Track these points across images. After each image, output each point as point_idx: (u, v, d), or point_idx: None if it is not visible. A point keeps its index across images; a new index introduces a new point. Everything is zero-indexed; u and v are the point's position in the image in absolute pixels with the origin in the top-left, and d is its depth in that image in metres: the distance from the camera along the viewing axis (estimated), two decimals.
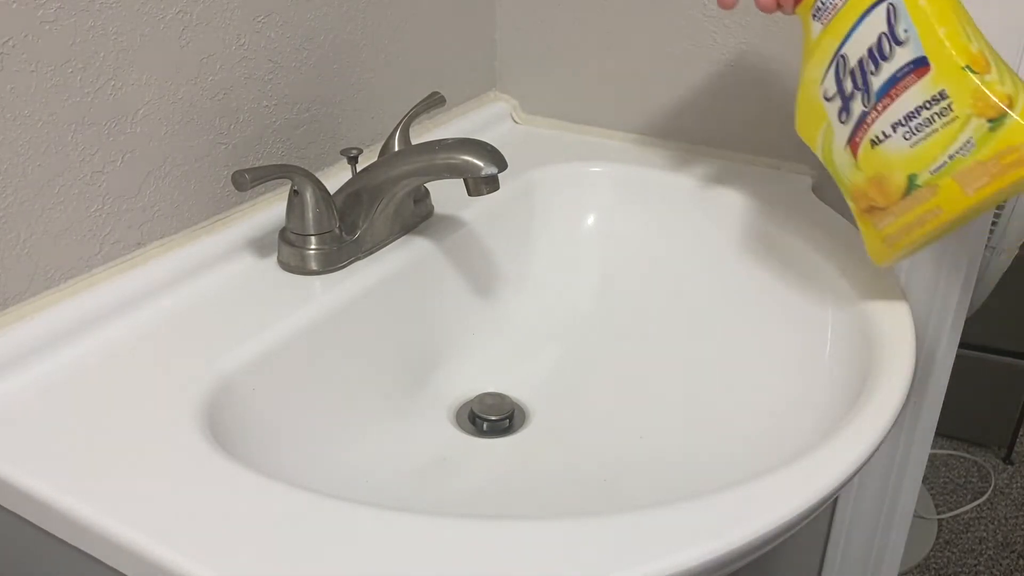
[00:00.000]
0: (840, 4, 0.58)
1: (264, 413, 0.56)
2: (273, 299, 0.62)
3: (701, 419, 0.66)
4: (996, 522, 1.57)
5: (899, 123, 0.55)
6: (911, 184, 0.55)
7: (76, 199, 0.57)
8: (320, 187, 0.64)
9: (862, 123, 0.57)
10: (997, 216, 1.15)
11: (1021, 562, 1.50)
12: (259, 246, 0.68)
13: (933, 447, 1.23)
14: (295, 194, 0.64)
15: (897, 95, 0.55)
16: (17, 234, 0.54)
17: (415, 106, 0.72)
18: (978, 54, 0.52)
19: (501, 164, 0.62)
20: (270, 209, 0.70)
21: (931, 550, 1.51)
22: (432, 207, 0.73)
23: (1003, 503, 1.61)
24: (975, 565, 1.49)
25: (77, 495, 0.45)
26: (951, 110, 0.52)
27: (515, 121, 0.95)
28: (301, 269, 0.65)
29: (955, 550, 1.52)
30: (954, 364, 0.91)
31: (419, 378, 0.69)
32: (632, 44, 0.86)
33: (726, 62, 0.82)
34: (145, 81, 0.59)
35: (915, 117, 0.54)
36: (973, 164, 0.52)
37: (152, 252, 0.62)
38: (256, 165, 0.63)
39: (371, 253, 0.68)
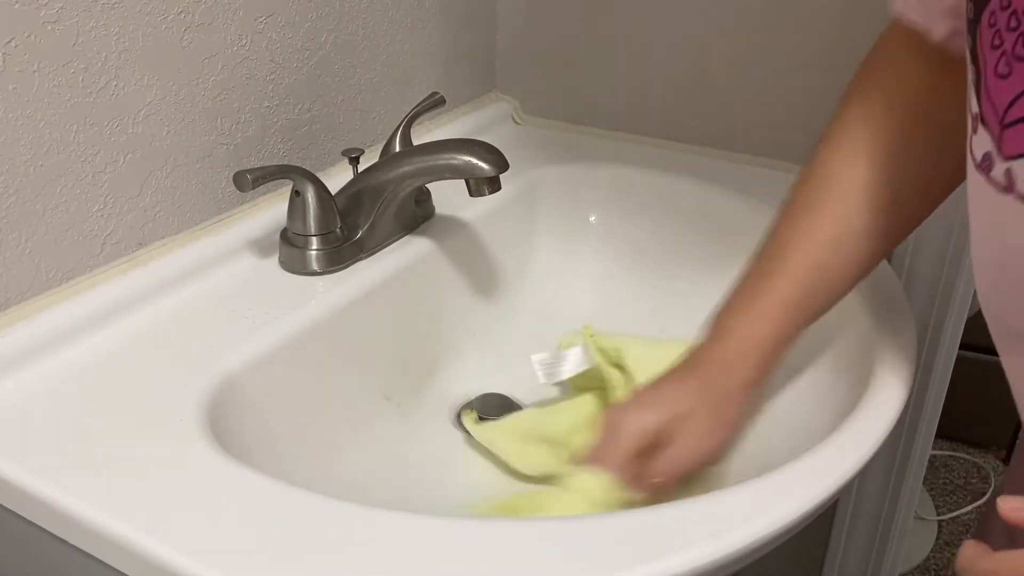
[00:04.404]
0: None
1: (265, 413, 0.56)
2: (274, 299, 0.62)
3: None
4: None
5: None
6: None
7: (78, 199, 0.57)
8: (321, 188, 0.64)
9: None
10: None
11: None
12: (260, 246, 0.68)
13: (933, 448, 1.23)
14: (296, 195, 0.64)
15: None
16: (19, 234, 0.54)
17: (416, 106, 0.72)
18: None
19: (503, 165, 0.62)
20: (271, 209, 0.70)
21: (931, 551, 1.51)
22: (433, 208, 0.74)
23: None
24: None
25: (78, 494, 0.45)
26: None
27: (516, 122, 0.95)
28: (302, 269, 0.65)
29: (955, 551, 1.51)
30: (954, 364, 0.91)
31: (420, 378, 0.69)
32: (632, 45, 0.86)
33: (726, 63, 0.82)
34: (147, 82, 0.59)
35: None
36: None
37: (153, 252, 0.62)
38: (257, 165, 0.63)
39: (372, 253, 0.68)
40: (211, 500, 0.45)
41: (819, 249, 0.55)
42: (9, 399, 0.52)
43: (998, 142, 0.39)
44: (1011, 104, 0.38)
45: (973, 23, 0.40)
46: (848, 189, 0.54)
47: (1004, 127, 0.38)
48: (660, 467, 0.54)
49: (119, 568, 0.45)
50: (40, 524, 0.47)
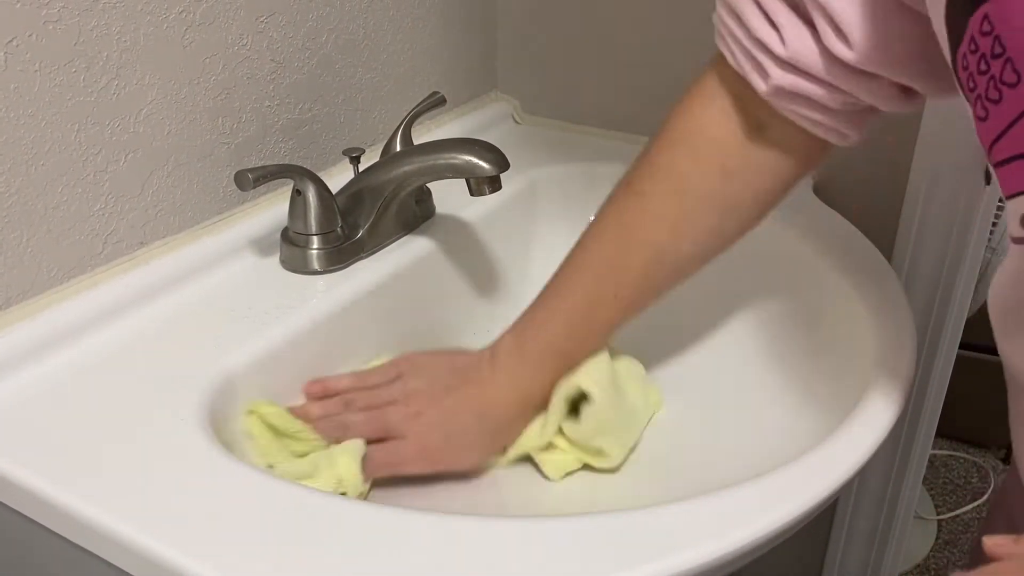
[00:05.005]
0: None
1: None
2: (275, 298, 0.62)
3: (700, 418, 0.66)
4: None
5: None
6: None
7: (79, 198, 0.57)
8: (322, 187, 0.65)
9: None
10: (997, 217, 1.15)
11: None
12: (261, 246, 0.68)
13: (933, 447, 1.23)
14: (297, 194, 0.64)
15: None
16: (20, 233, 0.54)
17: (416, 106, 0.72)
18: None
19: (503, 164, 0.62)
20: (272, 209, 0.70)
21: (931, 550, 1.51)
22: (434, 207, 0.74)
23: None
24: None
25: (79, 493, 0.45)
26: None
27: (516, 121, 0.95)
28: (303, 269, 0.65)
29: (955, 550, 1.52)
30: (954, 364, 0.91)
31: None
32: (632, 44, 0.87)
33: None
34: (148, 81, 0.59)
35: None
36: None
37: (155, 251, 0.63)
38: (258, 165, 0.63)
39: (373, 253, 0.68)
40: (211, 499, 0.45)
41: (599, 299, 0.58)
42: (9, 399, 0.52)
43: (999, 182, 0.38)
44: (992, 147, 0.37)
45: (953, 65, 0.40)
46: (650, 253, 0.58)
47: (994, 168, 0.38)
48: (378, 457, 0.56)
49: (120, 566, 0.45)
50: (42, 522, 0.47)
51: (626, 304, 0.59)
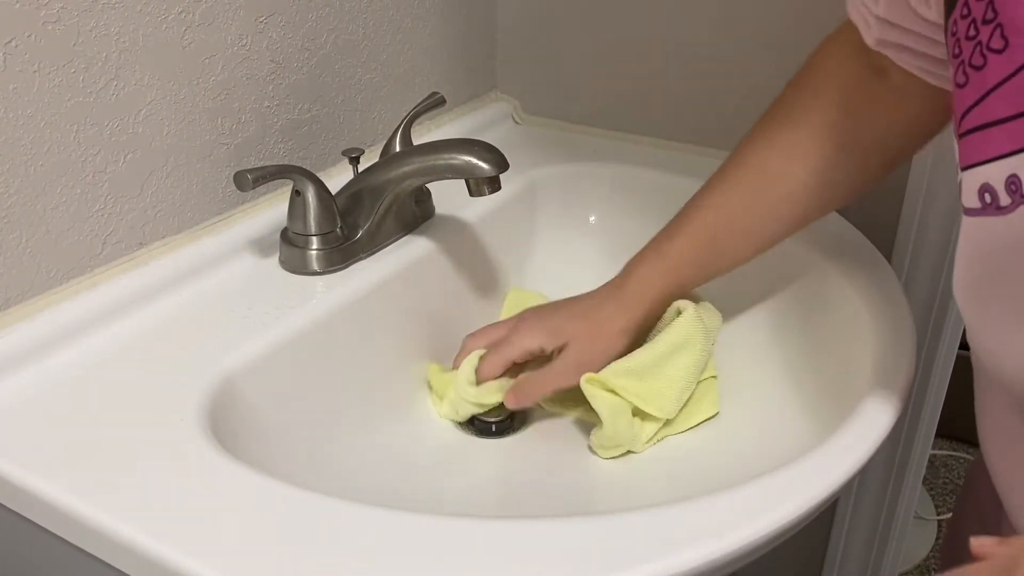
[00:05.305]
0: None
1: (265, 413, 0.56)
2: (275, 299, 0.62)
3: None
4: None
5: None
6: None
7: (78, 199, 0.57)
8: (322, 187, 0.65)
9: None
10: None
11: None
12: (261, 246, 0.68)
13: (933, 448, 1.23)
14: (297, 194, 0.64)
15: None
16: (19, 234, 0.54)
17: (416, 106, 0.72)
18: None
19: (503, 165, 0.62)
20: (272, 209, 0.70)
21: (931, 551, 1.51)
22: (433, 207, 0.74)
23: None
24: None
25: (79, 493, 0.45)
26: None
27: (516, 121, 0.95)
28: (303, 269, 0.65)
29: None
30: (954, 364, 0.91)
31: (420, 377, 0.69)
32: (633, 44, 0.87)
33: (726, 63, 0.82)
34: (147, 81, 0.59)
35: None
36: None
37: (154, 252, 0.62)
38: (258, 165, 0.63)
39: (372, 253, 0.68)
40: (211, 499, 0.45)
41: (721, 222, 0.64)
42: (9, 399, 0.52)
43: (959, 153, 0.39)
44: (965, 115, 0.37)
45: (944, 30, 0.40)
46: (761, 177, 0.62)
47: (960, 137, 0.38)
48: (534, 380, 0.65)
49: (119, 567, 0.45)
50: (41, 523, 0.47)
51: (733, 257, 0.65)
